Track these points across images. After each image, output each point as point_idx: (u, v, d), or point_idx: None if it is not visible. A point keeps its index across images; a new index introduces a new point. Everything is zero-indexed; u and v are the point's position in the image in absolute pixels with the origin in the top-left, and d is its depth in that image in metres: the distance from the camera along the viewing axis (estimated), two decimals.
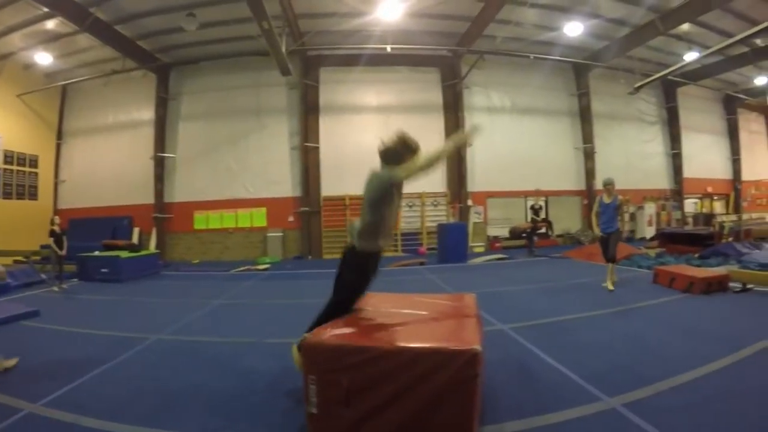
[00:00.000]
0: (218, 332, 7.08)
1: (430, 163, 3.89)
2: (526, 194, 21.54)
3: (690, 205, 26.18)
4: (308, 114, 20.22)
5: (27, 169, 19.94)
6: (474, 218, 21.10)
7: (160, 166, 20.38)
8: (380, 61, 19.61)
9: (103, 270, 13.61)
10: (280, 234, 20.19)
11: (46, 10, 15.07)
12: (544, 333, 6.33)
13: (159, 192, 20.38)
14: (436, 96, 21.28)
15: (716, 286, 8.66)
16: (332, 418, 3.29)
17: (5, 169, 18.92)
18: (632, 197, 22.10)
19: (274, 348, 5.72)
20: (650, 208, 23.20)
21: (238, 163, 20.60)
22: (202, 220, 20.60)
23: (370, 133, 20.07)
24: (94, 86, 21.03)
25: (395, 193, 4.13)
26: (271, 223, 20.41)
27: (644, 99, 24.33)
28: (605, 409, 3.82)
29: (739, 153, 27.69)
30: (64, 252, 12.17)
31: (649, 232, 22.09)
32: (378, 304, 4.47)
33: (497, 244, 20.79)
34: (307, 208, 19.96)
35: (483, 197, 21.35)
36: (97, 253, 14.63)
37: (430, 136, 20.31)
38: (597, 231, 9.50)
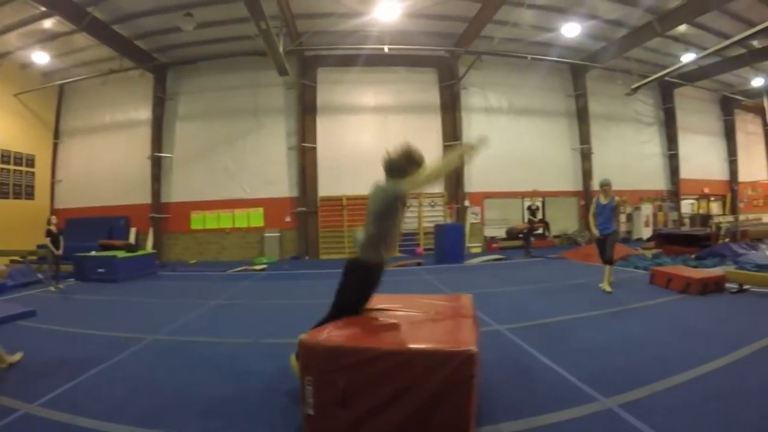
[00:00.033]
0: (215, 333, 7.08)
1: (434, 176, 3.93)
2: (523, 195, 21.56)
3: (687, 206, 26.24)
4: (305, 114, 20.21)
5: (24, 168, 19.91)
6: (471, 219, 21.11)
7: (157, 166, 20.35)
8: (378, 61, 19.61)
9: (99, 270, 13.59)
10: (277, 234, 20.18)
11: (43, 9, 15.04)
12: (541, 334, 6.34)
13: (156, 192, 20.36)
14: (433, 96, 21.28)
15: (713, 286, 8.67)
16: (329, 420, 3.29)
17: (2, 169, 18.87)
18: (629, 198, 22.18)
19: (271, 348, 5.72)
20: (647, 209, 23.25)
21: (235, 163, 20.57)
22: (199, 221, 20.57)
23: (368, 133, 20.19)
24: (92, 86, 21.00)
25: (400, 206, 4.13)
26: (268, 223, 20.39)
27: (641, 100, 24.40)
28: (601, 410, 3.82)
29: (736, 154, 27.79)
30: (60, 252, 12.14)
31: (646, 232, 22.15)
32: (374, 304, 4.46)
33: (494, 245, 20.80)
34: (304, 209, 19.95)
35: (480, 198, 21.36)
36: (93, 253, 14.62)
37: (427, 137, 20.40)
38: (595, 232, 9.46)
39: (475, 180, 21.07)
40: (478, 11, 16.95)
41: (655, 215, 23.37)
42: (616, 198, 9.53)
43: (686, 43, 19.67)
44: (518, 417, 3.73)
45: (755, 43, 19.20)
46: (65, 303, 10.48)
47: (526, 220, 20.25)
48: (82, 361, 5.56)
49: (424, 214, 20.57)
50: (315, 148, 20.30)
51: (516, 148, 21.53)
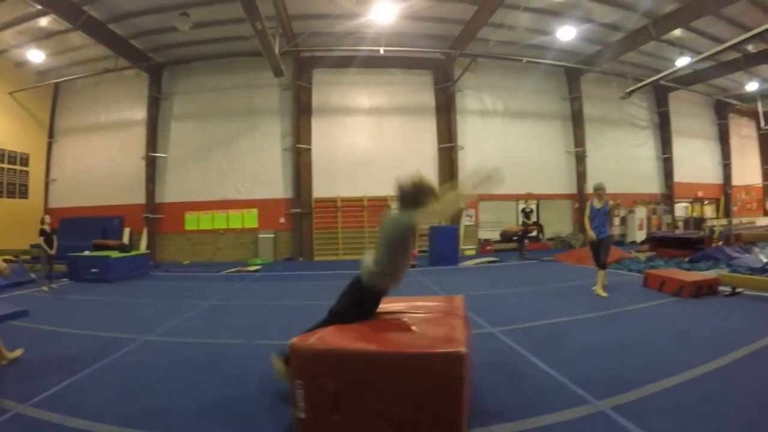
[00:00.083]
0: (208, 333, 7.07)
1: (447, 208, 3.92)
2: (517, 197, 21.60)
3: (680, 209, 26.32)
4: (301, 115, 20.18)
5: (18, 167, 19.83)
6: (465, 221, 21.11)
7: (151, 166, 20.28)
8: (373, 63, 19.60)
9: (93, 270, 13.57)
10: (272, 235, 20.14)
11: (39, 7, 15.02)
12: (534, 336, 6.36)
13: (150, 192, 20.27)
14: (428, 99, 21.29)
15: (706, 289, 8.73)
16: (320, 423, 3.29)
17: None
18: (623, 201, 22.24)
19: (264, 350, 5.67)
20: (641, 212, 23.31)
21: (229, 164, 20.53)
22: (193, 221, 20.52)
23: (363, 135, 20.21)
24: (87, 85, 20.96)
25: (411, 237, 4.13)
26: (262, 224, 20.35)
27: (636, 103, 24.47)
28: (594, 412, 3.83)
29: (730, 158, 27.94)
30: (54, 251, 12.12)
31: (640, 235, 22.21)
32: None
33: (488, 247, 20.81)
34: (298, 210, 19.91)
35: (474, 200, 21.37)
36: (87, 252, 14.57)
37: (422, 139, 20.47)
38: (592, 235, 9.40)
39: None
40: (473, 14, 16.98)
41: (649, 218, 23.44)
42: (610, 202, 9.54)
43: (681, 47, 19.78)
44: (510, 419, 3.74)
45: (750, 47, 19.32)
46: (58, 303, 10.45)
47: (520, 222, 20.31)
48: (75, 361, 5.56)
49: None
50: (310, 150, 20.26)
51: (511, 151, 21.55)
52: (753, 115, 27.39)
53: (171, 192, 20.63)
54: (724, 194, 27.69)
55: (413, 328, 3.89)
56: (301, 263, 18.88)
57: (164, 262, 19.23)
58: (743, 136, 29.44)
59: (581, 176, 22.51)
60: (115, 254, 14.45)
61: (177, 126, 20.91)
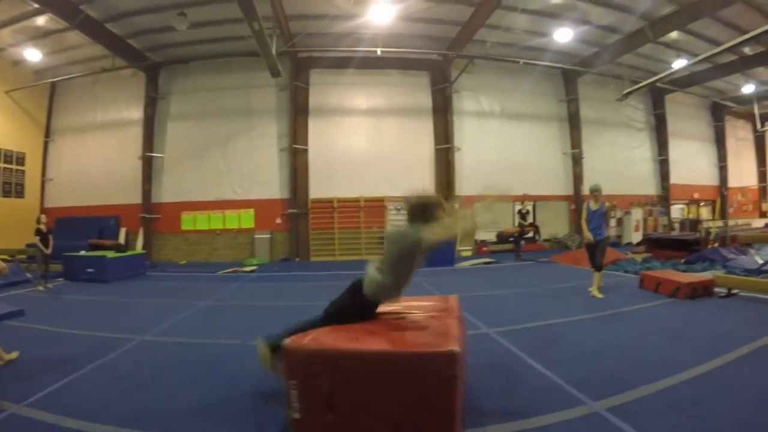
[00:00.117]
0: (204, 334, 7.07)
1: (455, 228, 3.94)
2: (514, 199, 21.60)
3: (677, 210, 26.40)
4: (297, 116, 20.15)
5: (14, 166, 19.79)
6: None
7: (148, 165, 20.26)
8: (370, 64, 19.61)
9: (88, 270, 13.56)
10: (268, 236, 20.12)
11: (36, 6, 14.97)
12: (530, 337, 6.37)
13: (147, 192, 20.25)
14: (425, 100, 21.30)
15: (701, 291, 8.75)
16: (315, 423, 3.29)
17: None
18: (619, 203, 22.25)
19: None
20: (637, 214, 23.34)
21: (226, 164, 20.51)
22: (189, 221, 20.49)
23: (360, 136, 20.22)
24: (83, 84, 20.92)
25: (418, 253, 4.11)
26: (258, 224, 20.33)
27: (633, 105, 24.51)
28: (589, 413, 3.85)
29: (726, 160, 28.04)
30: (49, 251, 12.11)
31: (636, 237, 22.24)
32: None
33: (484, 248, 20.81)
34: (295, 210, 19.88)
35: (471, 201, 21.31)
36: (83, 252, 14.56)
37: (419, 140, 20.48)
38: (589, 236, 9.38)
39: (466, 183, 21.08)
40: (471, 15, 17.00)
41: (645, 220, 23.48)
42: (607, 203, 9.54)
43: (678, 49, 19.80)
44: (506, 420, 3.75)
45: (746, 50, 19.37)
46: (54, 303, 10.44)
47: (516, 223, 20.30)
48: (70, 361, 5.55)
49: None
50: (306, 150, 20.24)
51: (507, 153, 21.61)
52: (749, 117, 27.50)
53: (167, 192, 20.60)
54: (720, 196, 27.76)
55: (407, 327, 3.89)
56: (298, 264, 18.87)
57: (160, 262, 19.21)
58: (739, 138, 29.55)
59: (578, 178, 22.56)
60: (111, 254, 14.43)
61: (174, 126, 20.88)
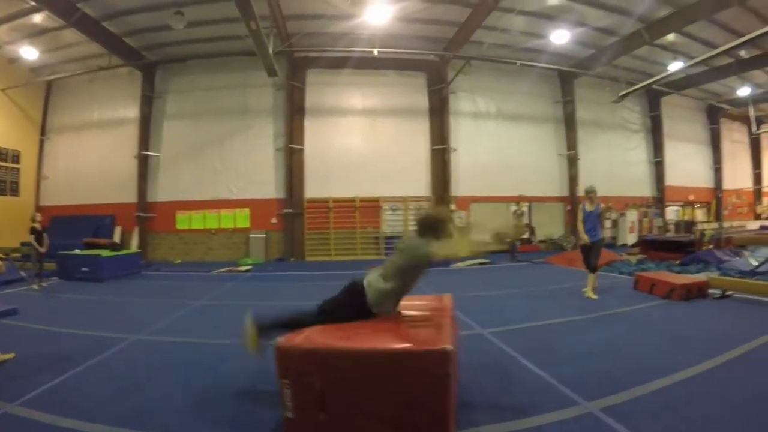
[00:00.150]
0: (199, 333, 7.06)
1: (463, 247, 3.98)
2: (509, 199, 21.64)
3: (672, 212, 26.46)
4: (294, 115, 20.15)
5: (9, 164, 19.73)
6: (457, 223, 21.12)
7: (143, 164, 20.22)
8: (367, 64, 19.62)
9: (83, 269, 13.52)
10: (263, 235, 20.10)
11: (33, 3, 14.93)
12: (524, 338, 6.37)
13: (142, 191, 20.21)
14: (422, 100, 21.32)
15: (696, 292, 8.77)
16: (308, 422, 3.29)
17: None
18: (614, 204, 22.28)
19: None
20: (632, 215, 23.38)
21: (222, 164, 20.48)
22: (185, 220, 20.46)
23: (356, 136, 20.22)
24: (80, 83, 20.84)
25: (424, 266, 4.17)
26: (254, 224, 20.31)
27: (628, 107, 24.58)
28: (583, 414, 3.84)
29: (721, 162, 28.20)
30: (44, 250, 12.07)
31: (631, 238, 22.28)
32: None
33: None
34: (290, 210, 19.88)
35: (467, 202, 21.37)
36: (77, 251, 14.51)
37: (415, 140, 20.47)
38: (585, 238, 9.38)
39: (462, 184, 21.13)
40: (468, 16, 17.03)
41: (640, 221, 23.51)
42: (602, 205, 9.55)
43: (674, 51, 19.86)
44: (500, 420, 3.75)
45: (742, 53, 19.44)
46: (48, 301, 10.40)
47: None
48: (65, 360, 5.53)
49: (410, 218, 20.57)
50: (302, 150, 20.24)
51: (503, 153, 21.69)
52: (744, 119, 27.61)
53: (163, 191, 20.56)
54: (715, 198, 27.87)
55: (400, 326, 3.89)
56: (293, 263, 18.85)
57: (155, 261, 19.15)
58: (734, 140, 29.70)
59: (573, 179, 22.62)
60: (105, 253, 14.41)
61: (170, 125, 20.86)
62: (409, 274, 4.12)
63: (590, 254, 9.30)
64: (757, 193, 30.58)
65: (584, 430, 3.56)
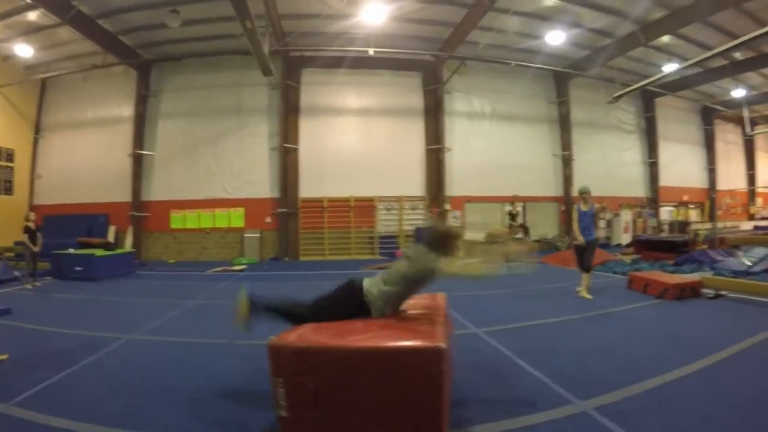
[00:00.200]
0: (192, 333, 7.04)
1: (470, 275, 4.01)
2: (503, 199, 21.67)
3: (666, 212, 26.51)
4: (288, 115, 20.14)
5: (3, 163, 19.65)
6: (452, 222, 21.14)
7: (138, 163, 20.16)
8: (362, 64, 19.64)
9: (77, 268, 13.44)
10: (258, 235, 20.07)
11: (28, 1, 14.86)
12: (518, 337, 6.38)
13: (136, 190, 20.16)
14: (417, 100, 21.34)
15: (689, 292, 8.82)
16: (302, 421, 3.28)
17: None
18: (609, 204, 22.34)
19: (248, 349, 5.68)
20: (626, 216, 23.45)
21: (216, 163, 20.44)
22: (179, 220, 20.41)
23: (351, 135, 20.22)
24: (74, 81, 20.75)
25: (429, 279, 4.18)
26: (248, 223, 20.28)
27: (623, 108, 24.64)
28: (576, 412, 3.86)
29: (715, 163, 28.28)
30: (38, 249, 12.02)
31: (625, 238, 22.35)
32: None
33: None
34: (284, 210, 19.86)
35: (461, 202, 21.41)
36: (71, 250, 14.43)
37: (410, 140, 20.51)
38: (581, 239, 9.41)
39: (456, 184, 21.15)
40: (463, 17, 17.06)
41: (634, 221, 23.59)
42: (596, 205, 9.57)
43: (669, 53, 19.94)
44: (493, 419, 3.75)
45: (737, 54, 19.51)
46: (42, 301, 10.35)
47: (506, 224, 20.36)
48: (58, 360, 5.51)
49: (405, 217, 20.61)
50: (297, 150, 20.24)
51: (498, 153, 21.74)
52: (738, 121, 27.64)
53: (157, 190, 20.52)
54: (709, 199, 27.94)
55: (393, 324, 3.88)
56: (287, 263, 18.84)
57: (150, 260, 19.12)
58: (729, 141, 29.81)
59: (567, 179, 22.68)
60: (99, 252, 14.34)
61: (164, 124, 20.79)
62: (412, 284, 4.14)
63: (584, 254, 9.32)
64: (751, 194, 30.73)
65: (578, 429, 3.57)
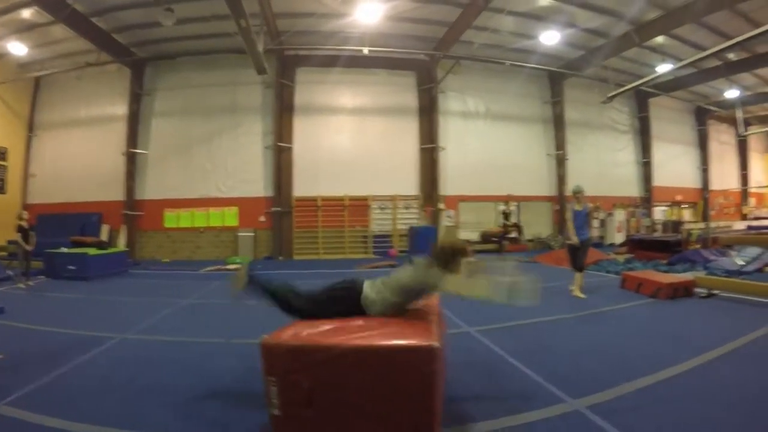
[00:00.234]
0: (186, 332, 7.03)
1: (470, 295, 4.01)
2: (497, 199, 21.71)
3: (659, 212, 26.64)
4: (283, 114, 20.11)
5: None
6: (446, 222, 21.17)
7: (131, 162, 20.08)
8: (357, 63, 19.59)
9: (70, 267, 13.36)
10: (252, 234, 20.06)
11: None
12: (511, 336, 6.40)
13: (130, 189, 20.08)
14: (411, 99, 21.35)
15: (682, 291, 8.85)
16: (295, 420, 3.28)
17: None
18: (602, 204, 22.42)
19: (242, 349, 5.69)
20: (620, 215, 23.52)
21: (211, 162, 20.39)
22: (173, 219, 20.35)
23: (345, 134, 20.22)
24: (68, 79, 20.60)
25: (429, 293, 4.24)
26: (242, 222, 20.26)
27: (617, 108, 24.72)
28: (569, 411, 3.88)
29: (708, 163, 28.41)
30: (31, 248, 11.97)
31: (619, 238, 22.41)
32: None
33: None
34: (279, 209, 19.84)
35: (455, 201, 21.43)
36: (64, 249, 14.36)
37: (404, 139, 20.51)
38: (575, 239, 9.41)
39: (450, 183, 21.18)
40: (458, 16, 17.07)
41: (627, 221, 23.65)
42: (590, 205, 9.60)
43: (663, 53, 20.01)
44: (486, 418, 3.77)
45: (731, 55, 19.60)
46: (35, 300, 10.30)
47: (500, 224, 20.42)
48: (51, 359, 5.49)
49: (398, 216, 20.62)
50: (291, 148, 20.21)
51: (492, 153, 21.77)
52: (732, 121, 27.88)
53: (151, 189, 20.44)
54: (702, 198, 28.04)
55: (387, 323, 3.87)
56: (281, 262, 18.80)
57: (143, 259, 19.04)
58: (722, 142, 29.99)
59: (561, 179, 22.73)
60: (93, 251, 14.26)
61: (158, 122, 20.73)
62: (411, 296, 4.13)
63: (578, 254, 9.34)
64: (744, 194, 30.87)
65: (571, 428, 3.59)
